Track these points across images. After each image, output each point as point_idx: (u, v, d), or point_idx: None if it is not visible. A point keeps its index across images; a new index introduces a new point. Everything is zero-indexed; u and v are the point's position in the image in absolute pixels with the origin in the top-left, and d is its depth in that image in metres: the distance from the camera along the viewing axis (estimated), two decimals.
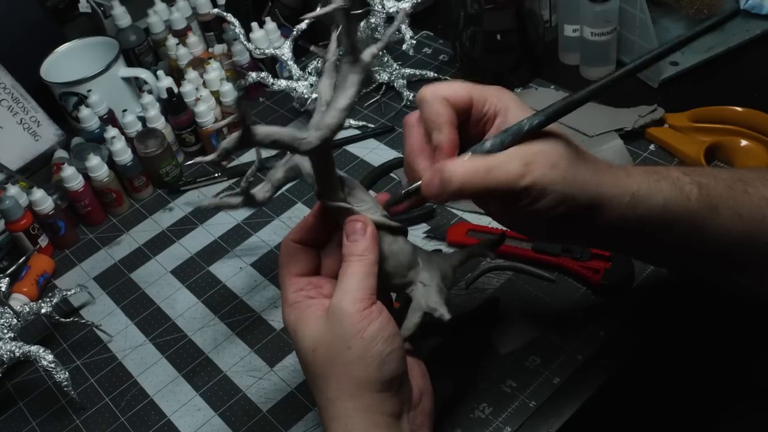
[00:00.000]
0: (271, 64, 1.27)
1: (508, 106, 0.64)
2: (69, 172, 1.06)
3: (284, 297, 0.66)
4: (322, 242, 0.69)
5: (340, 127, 0.60)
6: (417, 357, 0.71)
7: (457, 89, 0.64)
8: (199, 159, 0.60)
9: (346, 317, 0.61)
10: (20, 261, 0.97)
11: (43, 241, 1.08)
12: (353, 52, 0.59)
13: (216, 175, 1.14)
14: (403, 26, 1.11)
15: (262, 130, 0.58)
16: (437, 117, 0.63)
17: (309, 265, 0.68)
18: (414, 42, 1.09)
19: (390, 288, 0.69)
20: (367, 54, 0.60)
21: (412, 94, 1.19)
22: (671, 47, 0.62)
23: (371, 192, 1.01)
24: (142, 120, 1.15)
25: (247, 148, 0.64)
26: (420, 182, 0.64)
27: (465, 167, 0.61)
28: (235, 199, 0.62)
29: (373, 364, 0.61)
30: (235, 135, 0.57)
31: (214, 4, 1.33)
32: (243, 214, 1.08)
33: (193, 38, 1.27)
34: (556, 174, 0.60)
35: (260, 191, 0.64)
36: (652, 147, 1.03)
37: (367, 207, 0.66)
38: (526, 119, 0.62)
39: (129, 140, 1.12)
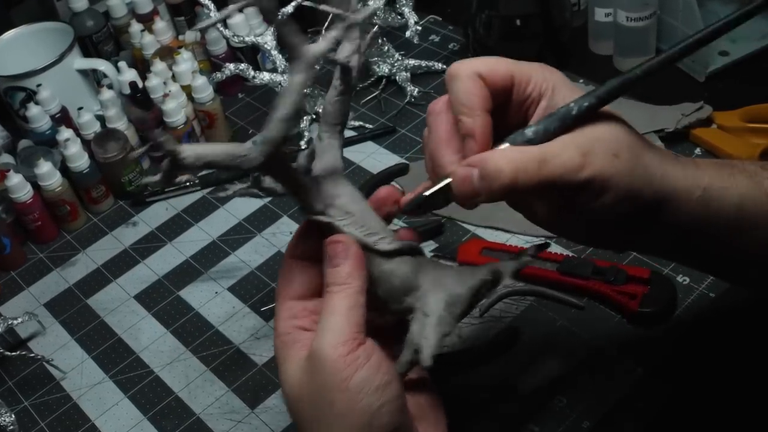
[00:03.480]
0: (252, 55, 1.28)
1: (555, 85, 0.64)
2: (15, 180, 1.07)
3: (275, 325, 0.66)
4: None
5: (285, 139, 0.60)
6: (434, 396, 0.69)
7: (495, 65, 0.64)
8: (149, 179, 0.60)
9: (328, 364, 0.59)
10: None
11: None
12: (293, 48, 0.60)
13: (188, 183, 1.15)
14: (407, 9, 1.12)
15: (191, 151, 0.58)
16: (469, 98, 0.62)
17: (307, 286, 0.66)
18: (419, 28, 1.10)
19: (390, 314, 0.68)
20: (311, 50, 0.60)
21: (416, 90, 1.20)
22: (719, 28, 0.61)
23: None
24: (101, 120, 1.16)
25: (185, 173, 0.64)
26: (449, 179, 0.63)
27: (512, 158, 0.60)
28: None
29: (360, 421, 0.59)
30: (163, 166, 0.57)
31: None
32: (218, 229, 1.09)
33: (160, 24, 1.29)
34: (619, 165, 0.60)
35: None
36: (697, 151, 1.04)
37: (350, 221, 0.64)
38: (574, 102, 0.61)
39: (86, 143, 1.14)
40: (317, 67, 0.61)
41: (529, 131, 0.62)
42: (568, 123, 0.61)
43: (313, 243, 0.66)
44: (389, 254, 0.65)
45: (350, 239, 0.63)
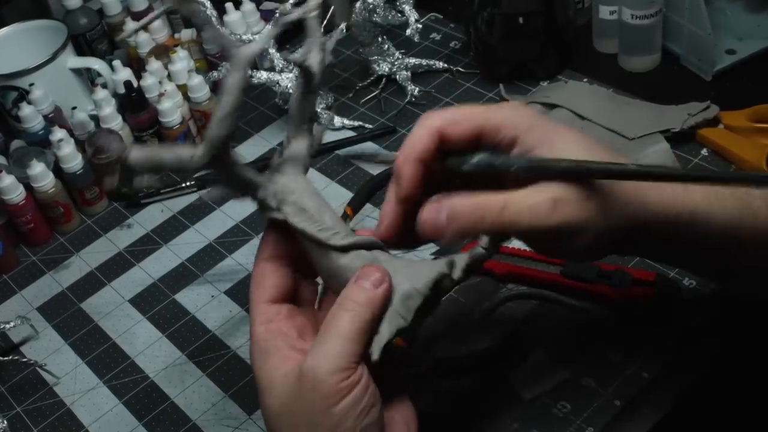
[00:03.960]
0: None
1: (528, 129, 0.64)
2: (7, 181, 1.08)
3: (251, 330, 0.67)
4: (299, 259, 0.69)
5: (227, 137, 0.62)
6: (408, 412, 0.69)
7: (459, 118, 0.65)
8: (107, 183, 0.63)
9: (321, 388, 0.60)
10: None
11: None
12: (224, 49, 0.62)
13: (184, 184, 1.15)
14: (407, 7, 1.12)
15: (139, 154, 0.60)
16: (411, 147, 0.65)
17: (280, 289, 0.68)
18: (420, 26, 1.10)
19: None
20: (244, 50, 0.62)
21: (417, 89, 1.20)
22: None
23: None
24: (95, 119, 1.16)
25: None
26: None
27: (475, 201, 0.62)
28: None
29: None
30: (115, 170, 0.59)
31: None
32: (215, 231, 1.10)
33: (156, 22, 1.29)
34: (591, 207, 0.61)
35: None
36: (704, 152, 1.04)
37: (304, 217, 0.66)
38: (518, 160, 0.63)
39: (79, 144, 1.14)
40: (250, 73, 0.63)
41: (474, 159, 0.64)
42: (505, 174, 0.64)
43: (282, 244, 0.68)
44: (343, 249, 0.66)
45: (387, 273, 0.64)
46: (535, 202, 0.61)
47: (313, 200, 0.67)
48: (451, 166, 0.65)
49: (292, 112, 0.68)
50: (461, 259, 0.66)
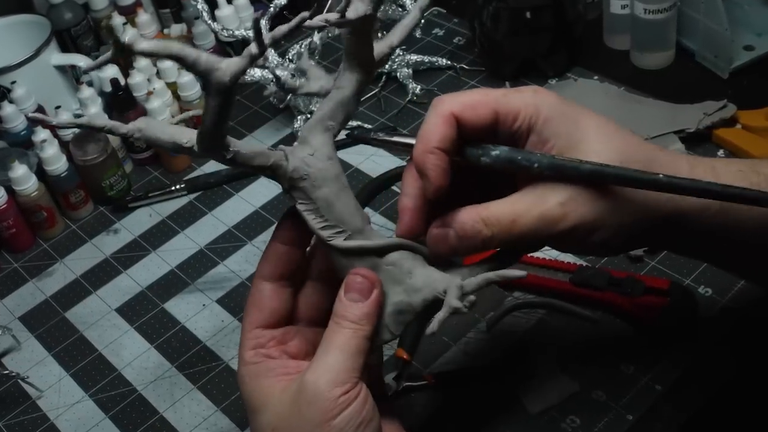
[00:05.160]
0: (243, 49, 1.28)
1: (547, 117, 0.64)
2: None
3: (240, 353, 0.67)
4: (300, 276, 0.69)
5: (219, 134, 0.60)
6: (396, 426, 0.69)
7: (474, 103, 0.64)
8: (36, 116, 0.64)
9: (321, 401, 0.61)
10: None
11: None
12: (202, 76, 0.57)
13: (174, 188, 1.15)
14: (408, 1, 1.12)
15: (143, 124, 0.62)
16: (428, 135, 0.63)
17: (278, 314, 0.68)
18: (422, 21, 1.11)
19: None
20: (223, 73, 0.56)
21: (418, 87, 1.20)
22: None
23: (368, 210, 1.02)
24: None
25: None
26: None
27: (482, 217, 0.62)
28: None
29: None
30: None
31: None
32: (206, 237, 1.10)
33: (144, 16, 1.29)
34: (603, 206, 0.62)
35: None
36: (720, 153, 1.04)
37: (311, 207, 0.64)
38: (537, 157, 0.62)
39: (63, 145, 1.14)
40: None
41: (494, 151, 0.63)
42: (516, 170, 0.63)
43: (284, 262, 0.67)
44: (343, 253, 0.65)
45: (375, 277, 0.64)
46: (545, 209, 0.61)
47: (328, 186, 0.64)
48: (469, 158, 0.64)
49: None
50: (453, 291, 0.64)
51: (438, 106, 0.64)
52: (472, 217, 0.62)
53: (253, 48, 0.55)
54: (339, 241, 0.64)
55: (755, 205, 0.61)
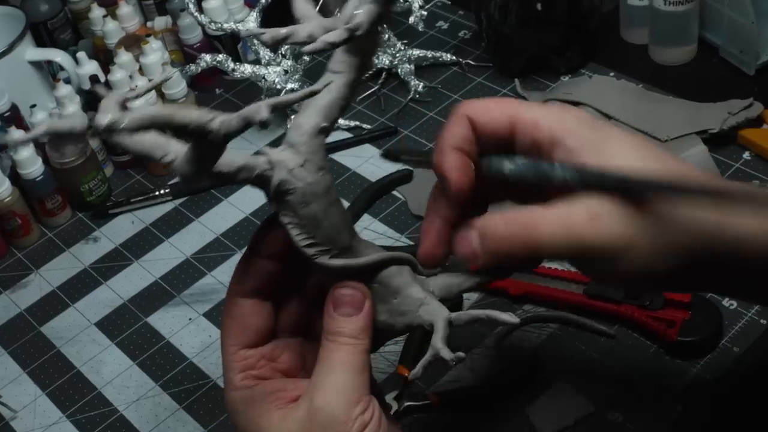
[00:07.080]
0: (232, 44, 1.29)
1: (570, 129, 0.62)
2: None
3: (228, 378, 0.67)
4: (280, 289, 0.68)
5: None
6: None
7: (490, 108, 0.64)
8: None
9: (338, 423, 0.61)
10: None
11: None
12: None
13: (158, 192, 1.16)
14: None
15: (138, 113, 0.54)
16: (447, 138, 0.63)
17: (261, 331, 0.67)
18: (425, 13, 1.11)
19: None
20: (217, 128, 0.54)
21: (421, 84, 1.21)
22: None
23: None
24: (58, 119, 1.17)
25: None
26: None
27: (505, 220, 0.62)
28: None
29: None
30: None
31: None
32: (192, 246, 1.10)
33: (125, 8, 1.30)
34: (643, 223, 0.59)
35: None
36: (746, 155, 1.05)
37: (295, 221, 0.62)
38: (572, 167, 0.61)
39: (39, 146, 1.14)
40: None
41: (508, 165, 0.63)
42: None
43: (265, 276, 0.67)
44: (329, 272, 0.64)
45: (364, 288, 0.65)
46: (570, 214, 0.60)
47: (317, 202, 0.62)
48: (491, 167, 0.64)
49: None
50: (440, 323, 0.64)
51: (455, 111, 0.64)
52: (495, 219, 0.62)
53: (251, 110, 0.54)
54: (324, 260, 0.64)
55: None
